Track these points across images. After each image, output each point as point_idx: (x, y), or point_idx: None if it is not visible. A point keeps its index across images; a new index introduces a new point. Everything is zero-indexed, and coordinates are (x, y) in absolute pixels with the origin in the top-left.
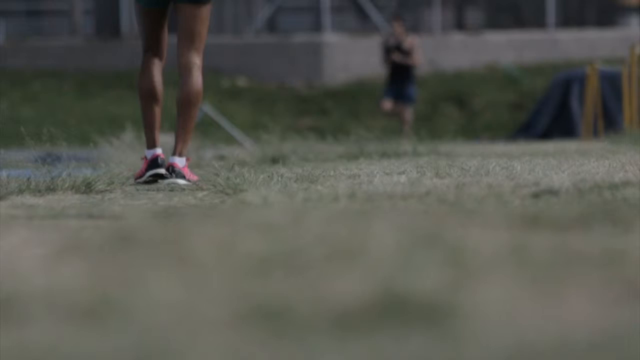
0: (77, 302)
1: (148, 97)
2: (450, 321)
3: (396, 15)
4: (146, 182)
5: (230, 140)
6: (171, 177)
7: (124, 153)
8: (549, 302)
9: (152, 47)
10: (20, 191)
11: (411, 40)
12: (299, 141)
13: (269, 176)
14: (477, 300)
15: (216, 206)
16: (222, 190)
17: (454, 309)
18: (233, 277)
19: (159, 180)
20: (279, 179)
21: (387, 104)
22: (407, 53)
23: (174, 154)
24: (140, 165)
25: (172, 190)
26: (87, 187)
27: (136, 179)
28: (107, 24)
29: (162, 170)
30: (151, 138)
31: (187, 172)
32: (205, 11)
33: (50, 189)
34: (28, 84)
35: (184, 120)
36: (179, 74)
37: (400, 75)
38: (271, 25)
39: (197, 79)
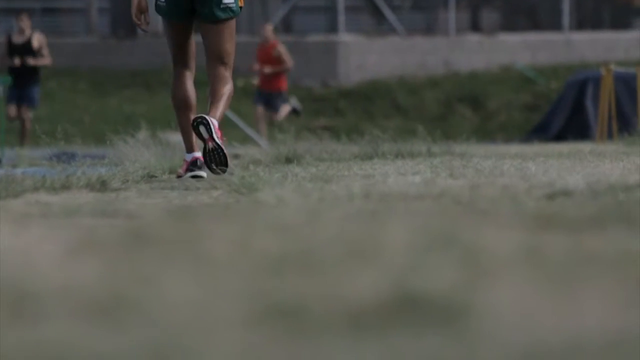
0: (92, 300)
1: (182, 106)
2: (465, 321)
3: (21, 11)
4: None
5: (245, 139)
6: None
7: (139, 151)
8: (563, 303)
9: (181, 60)
10: (36, 189)
11: (39, 38)
12: (313, 141)
13: (283, 176)
14: (492, 300)
15: (231, 205)
16: (237, 189)
17: (468, 309)
18: (248, 276)
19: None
20: (294, 178)
21: (12, 110)
22: (35, 52)
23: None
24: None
25: (186, 189)
26: (102, 185)
27: (177, 177)
28: (122, 22)
29: (203, 173)
30: (189, 143)
31: (219, 133)
32: (228, 28)
33: (65, 187)
34: (43, 82)
35: (216, 98)
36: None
37: (24, 75)
38: (286, 25)
39: (227, 81)
